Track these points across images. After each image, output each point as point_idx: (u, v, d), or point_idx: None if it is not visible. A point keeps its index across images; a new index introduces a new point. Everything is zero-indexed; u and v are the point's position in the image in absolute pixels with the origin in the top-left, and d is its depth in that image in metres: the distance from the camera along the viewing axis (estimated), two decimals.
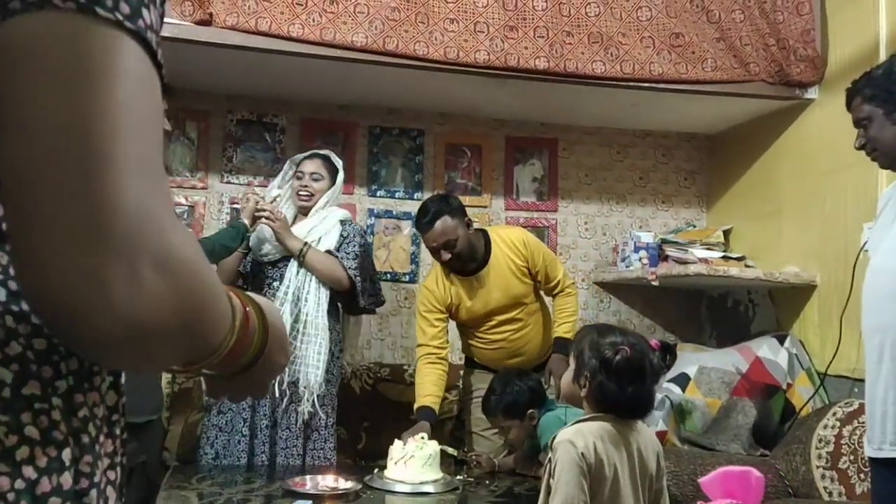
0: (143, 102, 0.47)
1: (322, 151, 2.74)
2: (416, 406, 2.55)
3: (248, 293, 0.64)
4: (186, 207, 3.28)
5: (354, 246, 2.61)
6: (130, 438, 2.05)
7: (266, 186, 3.00)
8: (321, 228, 2.61)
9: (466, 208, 3.46)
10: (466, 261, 2.56)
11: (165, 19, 2.17)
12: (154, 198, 0.45)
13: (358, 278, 2.56)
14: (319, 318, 2.50)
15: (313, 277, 2.52)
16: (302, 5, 2.66)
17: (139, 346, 0.45)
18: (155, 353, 0.48)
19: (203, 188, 3.32)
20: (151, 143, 0.47)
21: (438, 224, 2.48)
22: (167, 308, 0.45)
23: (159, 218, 0.45)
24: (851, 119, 1.83)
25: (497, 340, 2.67)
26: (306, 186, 2.62)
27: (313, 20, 2.66)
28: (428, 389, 2.55)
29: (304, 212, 2.66)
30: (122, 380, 0.59)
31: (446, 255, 2.51)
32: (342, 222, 2.66)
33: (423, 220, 2.52)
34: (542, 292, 2.74)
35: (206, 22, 2.59)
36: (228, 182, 3.32)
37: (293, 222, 2.66)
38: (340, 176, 2.69)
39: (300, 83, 3.12)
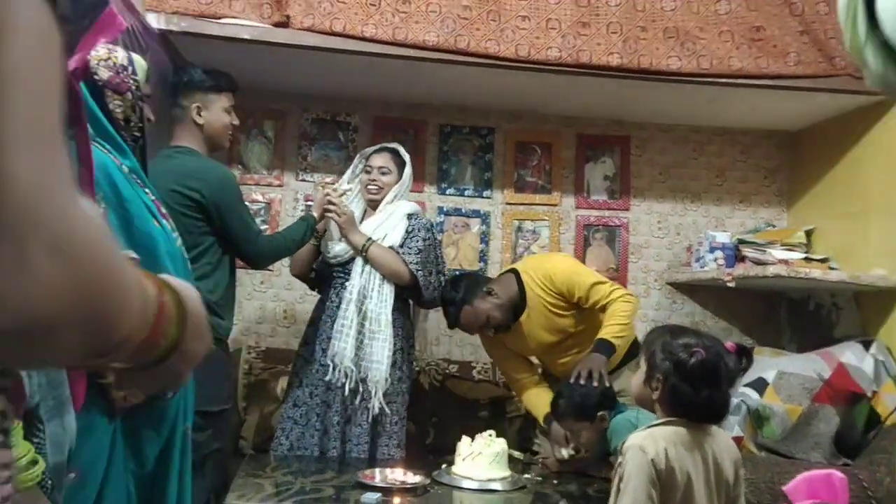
0: (42, 62, 0.40)
1: (391, 145, 2.76)
2: (541, 415, 2.56)
3: (166, 277, 0.59)
4: (263, 204, 3.38)
5: (418, 241, 2.60)
6: (204, 427, 2.10)
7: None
8: (388, 224, 2.62)
9: (535, 207, 3.49)
10: (510, 320, 2.57)
11: (246, 22, 2.26)
12: (50, 172, 0.39)
13: (420, 272, 2.56)
14: (383, 314, 2.51)
15: (377, 274, 2.55)
16: (375, 6, 2.70)
17: (30, 340, 0.40)
18: (47, 348, 0.42)
19: (279, 185, 3.41)
20: (49, 109, 0.41)
21: (463, 318, 2.56)
22: (64, 297, 0.39)
23: (56, 195, 0.39)
24: None
25: (563, 363, 2.64)
26: (374, 180, 2.64)
27: (386, 20, 2.70)
28: (542, 400, 2.56)
29: (373, 206, 2.68)
30: (9, 383, 0.53)
31: (490, 332, 2.61)
32: (409, 216, 2.66)
33: (450, 322, 2.62)
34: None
35: (284, 24, 2.66)
36: (303, 180, 3.40)
37: (363, 218, 2.69)
38: (408, 170, 2.70)
39: (373, 82, 3.17)
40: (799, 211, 3.52)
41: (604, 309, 2.48)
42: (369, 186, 2.65)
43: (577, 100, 3.27)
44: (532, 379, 2.69)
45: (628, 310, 2.46)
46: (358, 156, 2.78)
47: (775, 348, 3.25)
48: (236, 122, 2.39)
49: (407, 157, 2.73)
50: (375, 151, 2.71)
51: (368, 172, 2.67)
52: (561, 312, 2.55)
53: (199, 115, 2.28)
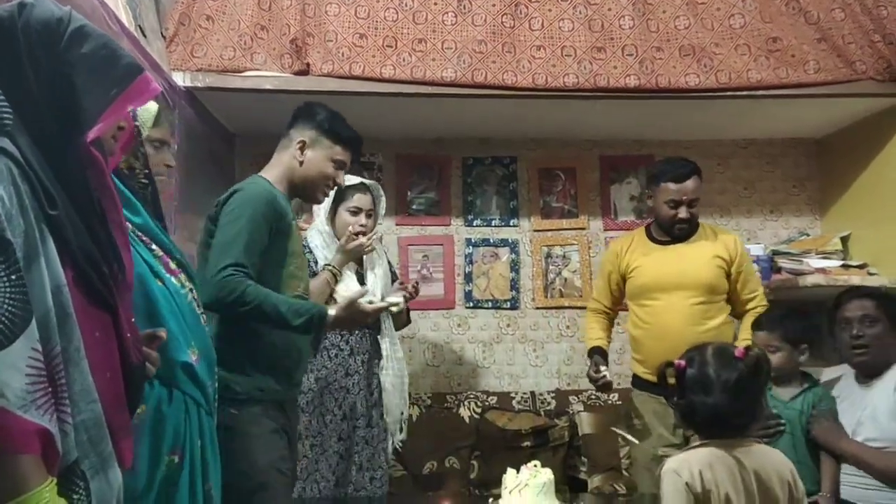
0: None
1: (368, 182, 2.56)
2: (589, 346, 2.61)
3: None
4: None
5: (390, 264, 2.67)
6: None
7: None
8: (384, 263, 2.59)
9: (563, 231, 3.49)
10: (690, 227, 2.53)
11: (267, 73, 2.32)
12: None
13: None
14: (396, 346, 2.52)
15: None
16: (392, 47, 2.75)
17: None
18: None
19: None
20: None
21: (695, 179, 2.49)
22: None
23: None
24: None
25: (668, 323, 2.44)
26: (364, 225, 2.46)
27: (404, 60, 2.75)
28: (598, 333, 2.63)
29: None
30: None
31: (685, 213, 2.48)
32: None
33: (683, 171, 2.49)
34: (735, 303, 2.55)
35: (304, 72, 2.73)
36: None
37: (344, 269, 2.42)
38: (382, 206, 2.60)
39: (395, 121, 3.22)
40: (832, 218, 3.47)
41: (748, 301, 2.51)
42: (359, 233, 2.41)
43: (597, 123, 3.28)
44: (608, 314, 2.68)
45: None
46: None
47: (819, 359, 3.17)
48: (341, 181, 2.03)
49: (382, 195, 2.58)
50: (356, 189, 2.47)
51: (355, 214, 2.46)
52: (716, 270, 2.47)
53: (301, 152, 1.95)
